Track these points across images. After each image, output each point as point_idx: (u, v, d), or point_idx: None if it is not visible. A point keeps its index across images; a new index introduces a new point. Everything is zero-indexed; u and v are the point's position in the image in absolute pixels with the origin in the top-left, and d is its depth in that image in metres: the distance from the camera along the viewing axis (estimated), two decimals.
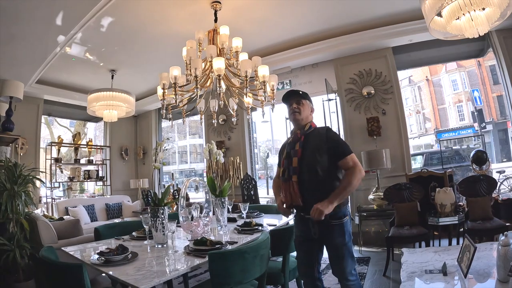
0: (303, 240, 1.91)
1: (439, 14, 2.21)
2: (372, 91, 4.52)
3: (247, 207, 2.91)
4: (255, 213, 3.07)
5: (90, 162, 6.56)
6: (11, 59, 3.91)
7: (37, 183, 3.67)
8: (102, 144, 7.09)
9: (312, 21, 4.06)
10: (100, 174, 6.66)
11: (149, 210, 1.96)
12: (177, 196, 4.88)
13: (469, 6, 2.01)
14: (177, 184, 6.77)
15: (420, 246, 3.11)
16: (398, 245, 3.19)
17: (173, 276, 1.48)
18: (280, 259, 2.19)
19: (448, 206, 3.08)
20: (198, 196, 6.22)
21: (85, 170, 6.39)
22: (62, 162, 6.16)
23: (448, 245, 3.01)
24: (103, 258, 1.61)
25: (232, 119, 3.39)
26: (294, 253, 2.25)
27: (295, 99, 1.95)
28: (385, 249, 3.16)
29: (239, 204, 3.11)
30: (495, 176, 5.23)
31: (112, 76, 5.15)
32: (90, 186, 7.96)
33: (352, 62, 4.72)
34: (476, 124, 16.60)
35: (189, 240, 1.98)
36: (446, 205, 3.08)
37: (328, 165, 1.79)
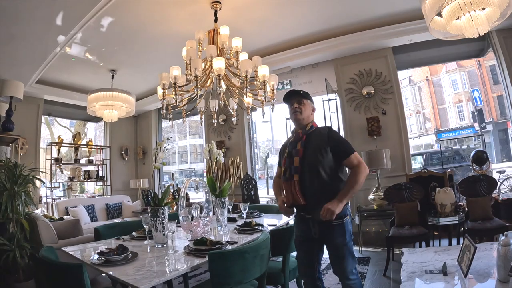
0: (304, 240, 1.91)
1: (439, 14, 2.21)
2: (372, 91, 4.52)
3: (247, 207, 2.92)
4: (255, 213, 3.07)
5: (90, 162, 6.56)
6: (11, 59, 3.91)
7: (37, 183, 3.67)
8: (102, 144, 7.09)
9: (312, 21, 4.06)
10: (100, 174, 6.66)
11: (149, 210, 1.96)
12: (177, 196, 4.88)
13: (469, 6, 2.00)
14: (177, 184, 6.77)
15: (420, 246, 3.11)
16: (398, 245, 3.19)
17: (173, 276, 1.48)
18: (280, 259, 2.19)
19: (448, 206, 3.08)
20: (198, 196, 6.22)
21: (85, 170, 6.39)
22: (62, 162, 6.16)
23: (448, 245, 3.00)
24: (103, 258, 1.61)
25: (232, 119, 3.39)
26: (294, 253, 2.25)
27: (296, 99, 1.95)
28: (385, 249, 3.16)
29: (239, 204, 3.11)
30: (495, 176, 5.23)
31: (112, 76, 5.15)
32: (90, 186, 7.96)
33: (352, 62, 4.72)
34: (476, 124, 16.60)
35: (189, 240, 1.98)
36: (446, 205, 3.08)
37: (330, 165, 1.80)
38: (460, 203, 3.43)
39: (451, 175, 3.84)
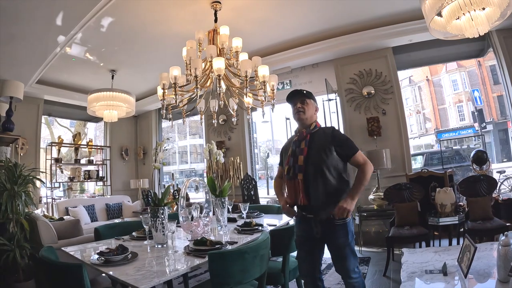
0: (305, 239, 1.91)
1: (439, 14, 2.20)
2: (372, 91, 4.51)
3: (247, 207, 2.92)
4: (255, 213, 3.07)
5: (90, 162, 6.57)
6: (11, 59, 3.91)
7: (37, 183, 3.67)
8: (102, 144, 7.09)
9: (312, 21, 4.06)
10: (100, 174, 6.66)
11: (149, 210, 1.96)
12: (177, 196, 4.88)
13: (469, 6, 2.00)
14: (177, 184, 6.77)
15: (420, 246, 3.11)
16: (398, 245, 3.19)
17: (173, 276, 1.48)
18: (280, 259, 2.19)
19: (448, 206, 3.08)
20: (198, 196, 6.21)
21: (85, 170, 6.39)
22: (62, 162, 6.16)
23: (448, 245, 3.00)
24: (103, 258, 1.61)
25: (232, 119, 3.39)
26: (294, 253, 2.25)
27: (300, 99, 1.95)
28: (385, 249, 3.16)
29: (239, 204, 3.11)
30: (496, 176, 5.22)
31: (112, 76, 5.15)
32: (90, 186, 7.96)
33: (352, 62, 4.72)
34: (476, 124, 16.60)
35: (189, 240, 1.97)
36: (446, 205, 3.08)
37: (334, 164, 1.81)
38: (460, 203, 3.43)
39: (451, 175, 3.84)
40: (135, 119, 7.48)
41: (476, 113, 16.67)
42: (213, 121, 3.43)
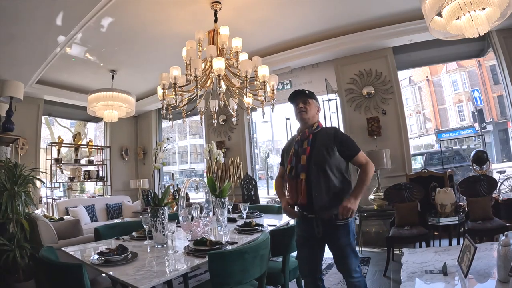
0: (306, 239, 1.91)
1: (439, 14, 2.20)
2: (372, 91, 4.51)
3: (247, 207, 2.91)
4: (255, 213, 3.07)
5: (90, 162, 6.57)
6: (11, 59, 3.91)
7: (37, 183, 3.67)
8: (103, 144, 7.09)
9: (313, 21, 4.06)
10: (101, 174, 6.66)
11: (149, 210, 1.96)
12: (177, 196, 4.88)
13: (469, 6, 2.00)
14: (177, 184, 6.77)
15: (420, 246, 3.11)
16: (398, 245, 3.19)
17: (173, 276, 1.48)
18: (280, 259, 2.19)
19: (449, 206, 3.07)
20: (198, 196, 6.22)
21: (85, 170, 6.39)
22: (63, 162, 6.16)
23: (449, 245, 3.00)
24: (103, 258, 1.61)
25: (232, 119, 3.39)
26: (294, 253, 2.24)
27: (302, 99, 1.95)
28: (385, 249, 3.16)
29: (239, 204, 3.11)
30: (496, 176, 5.23)
31: (112, 76, 5.15)
32: (91, 186, 7.96)
33: (352, 62, 4.72)
34: (476, 124, 16.60)
35: (189, 240, 1.97)
36: (446, 205, 3.08)
37: (336, 164, 1.82)
38: (460, 203, 3.43)
39: (451, 175, 3.84)
40: (135, 119, 7.49)
41: (476, 113, 16.67)
42: (213, 121, 3.43)
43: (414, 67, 6.14)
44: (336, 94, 4.76)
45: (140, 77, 5.52)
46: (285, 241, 2.08)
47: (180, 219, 2.16)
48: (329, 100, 4.47)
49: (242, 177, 5.09)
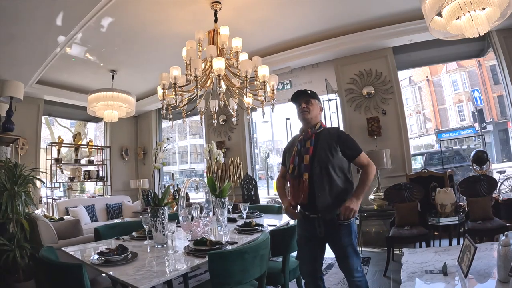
0: (308, 239, 1.91)
1: (439, 14, 2.20)
2: (372, 91, 4.51)
3: (247, 207, 2.91)
4: (255, 213, 3.07)
5: (90, 162, 6.57)
6: (11, 59, 3.91)
7: (38, 183, 3.67)
8: (103, 145, 7.09)
9: (313, 21, 4.06)
10: (101, 175, 6.66)
11: (149, 210, 1.95)
12: (177, 196, 4.88)
13: (469, 5, 2.00)
14: (177, 184, 6.77)
15: (420, 246, 3.11)
16: (398, 245, 3.19)
17: (173, 276, 1.48)
18: (280, 259, 2.19)
19: (449, 206, 3.07)
20: (198, 196, 6.21)
21: (85, 171, 6.39)
22: (63, 162, 6.16)
23: (449, 245, 3.00)
24: (103, 258, 1.61)
25: (232, 119, 3.39)
26: (294, 253, 2.24)
27: (304, 99, 1.95)
28: (386, 249, 3.16)
29: (239, 204, 3.11)
30: (496, 176, 5.23)
31: (113, 76, 5.15)
32: (91, 186, 7.96)
33: (352, 62, 4.71)
34: (476, 124, 16.60)
35: (189, 240, 1.97)
36: (446, 205, 3.08)
37: (339, 164, 1.82)
38: (460, 203, 3.43)
39: (452, 175, 3.84)
40: (135, 119, 7.49)
41: (476, 113, 16.67)
42: (213, 121, 3.43)
43: (414, 67, 6.14)
44: (336, 94, 4.76)
45: (140, 77, 5.52)
46: (285, 241, 2.08)
47: (180, 219, 2.16)
48: (329, 100, 4.47)
49: (242, 177, 5.09)
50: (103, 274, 1.56)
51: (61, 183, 6.23)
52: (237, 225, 2.42)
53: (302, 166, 1.84)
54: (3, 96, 4.18)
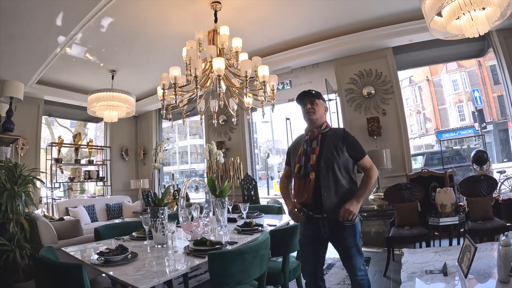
0: (312, 239, 1.91)
1: (439, 14, 2.20)
2: (372, 91, 4.51)
3: (247, 208, 2.91)
4: (255, 214, 3.06)
5: (90, 162, 6.57)
6: (11, 59, 3.92)
7: (38, 183, 3.67)
8: (103, 145, 7.10)
9: (313, 21, 4.06)
10: (101, 175, 6.66)
11: (149, 211, 1.95)
12: (177, 197, 4.88)
13: (469, 5, 2.00)
14: (177, 185, 6.77)
15: (420, 247, 3.11)
16: (398, 245, 3.19)
17: (173, 276, 1.48)
18: (280, 259, 2.18)
19: (449, 206, 3.07)
20: (198, 197, 6.22)
21: (85, 171, 6.39)
22: (63, 162, 6.16)
23: (449, 246, 3.00)
24: (102, 258, 1.61)
25: (232, 120, 3.39)
26: (294, 253, 2.24)
27: (309, 99, 1.95)
28: (386, 250, 3.15)
29: (239, 204, 3.11)
30: (496, 176, 5.22)
31: (113, 77, 5.16)
32: (91, 187, 7.96)
33: (352, 62, 4.72)
34: (476, 124, 16.60)
35: (189, 241, 1.97)
36: (446, 205, 3.08)
37: (344, 165, 1.83)
38: (460, 203, 3.43)
39: (452, 175, 3.83)
40: (135, 119, 7.49)
41: (476, 113, 16.67)
42: (213, 121, 3.43)
43: (414, 67, 6.15)
44: (336, 94, 4.76)
45: (140, 77, 5.52)
46: (285, 241, 2.08)
47: (180, 219, 2.16)
48: (329, 100, 4.47)
49: (242, 177, 5.09)
50: (103, 274, 1.55)
51: (61, 183, 6.23)
52: (237, 225, 2.42)
53: (308, 166, 1.84)
54: (3, 96, 4.18)
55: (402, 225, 3.11)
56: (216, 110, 3.41)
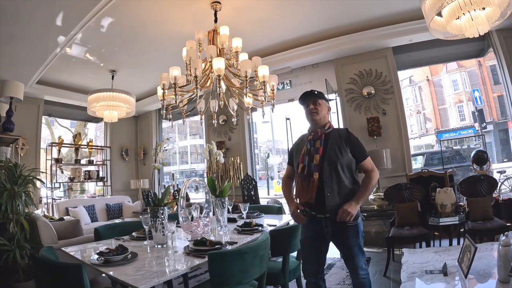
0: (314, 240, 1.90)
1: (439, 14, 2.20)
2: (372, 91, 4.51)
3: (247, 208, 2.91)
4: (255, 214, 3.06)
5: (90, 162, 6.57)
6: (11, 59, 3.92)
7: (38, 183, 3.68)
8: (103, 145, 7.10)
9: (313, 21, 4.06)
10: (101, 175, 6.66)
11: (149, 211, 1.95)
12: (177, 197, 4.88)
13: (469, 5, 2.00)
14: (177, 185, 6.77)
15: (420, 247, 3.11)
16: (398, 245, 3.18)
17: (173, 276, 1.48)
18: (280, 259, 2.18)
19: (449, 206, 3.07)
20: (198, 197, 6.22)
21: (85, 171, 6.39)
22: (63, 162, 6.16)
23: (449, 246, 3.00)
24: (102, 258, 1.61)
25: (232, 120, 3.39)
26: (294, 253, 2.24)
27: (312, 100, 1.95)
28: (386, 250, 3.15)
29: (239, 204, 3.10)
30: (496, 176, 5.22)
31: (113, 77, 5.16)
32: (91, 187, 7.97)
33: (352, 62, 4.72)
34: (476, 124, 16.59)
35: (189, 241, 1.97)
36: (446, 205, 3.08)
37: (348, 165, 1.83)
38: (460, 203, 3.43)
39: (452, 175, 3.83)
40: (135, 119, 7.49)
41: (476, 113, 16.67)
42: (213, 122, 3.43)
43: (414, 67, 6.15)
44: (336, 94, 4.76)
45: (140, 77, 5.52)
46: (285, 241, 2.08)
47: (180, 219, 2.16)
48: (329, 100, 4.47)
49: (242, 177, 5.09)
50: (103, 274, 1.55)
51: (61, 183, 6.23)
52: (237, 225, 2.42)
53: (312, 166, 1.84)
54: (3, 96, 4.18)
55: (402, 225, 3.11)
56: (216, 110, 3.41)
